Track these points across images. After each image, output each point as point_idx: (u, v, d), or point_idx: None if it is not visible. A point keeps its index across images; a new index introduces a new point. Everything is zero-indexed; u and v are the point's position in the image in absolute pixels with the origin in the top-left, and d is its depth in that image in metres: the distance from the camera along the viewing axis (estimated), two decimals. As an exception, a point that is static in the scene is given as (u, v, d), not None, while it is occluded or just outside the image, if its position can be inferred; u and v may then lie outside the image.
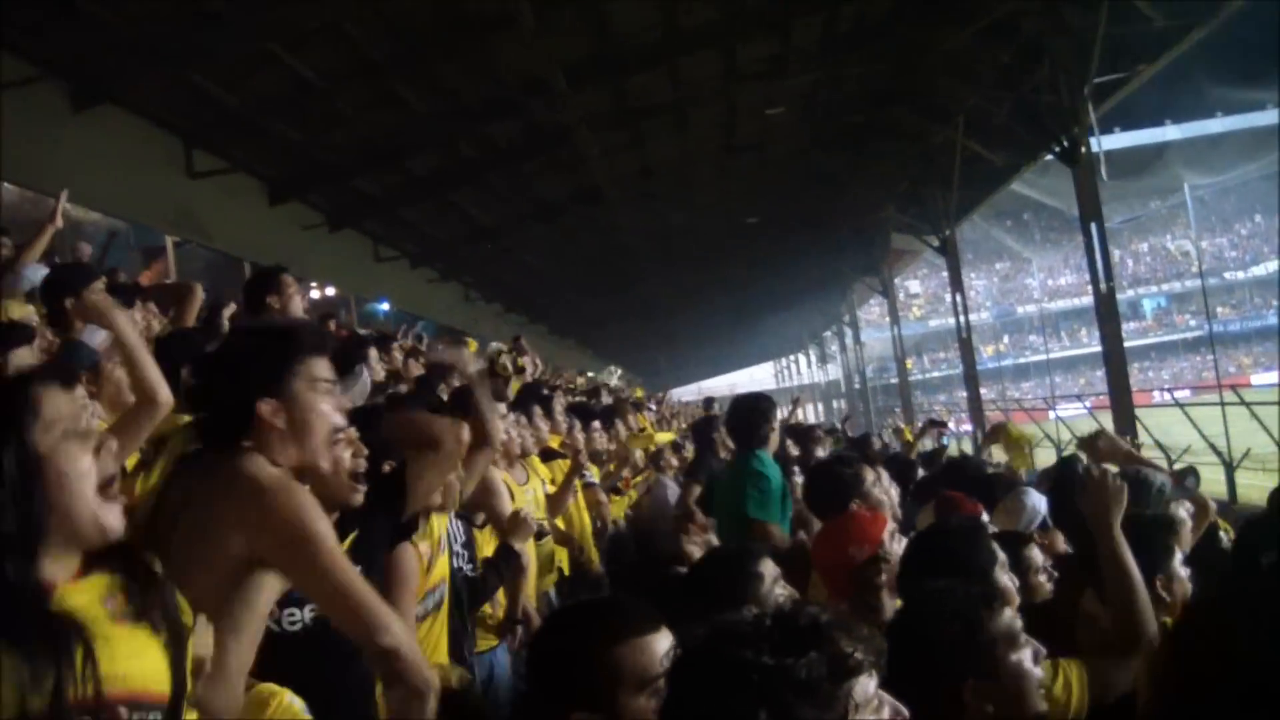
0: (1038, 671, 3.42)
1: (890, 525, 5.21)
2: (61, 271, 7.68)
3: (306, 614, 3.83)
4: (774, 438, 8.45)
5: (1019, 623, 3.53)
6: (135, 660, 2.43)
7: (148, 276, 14.85)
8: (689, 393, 76.45)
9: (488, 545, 6.65)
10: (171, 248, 19.55)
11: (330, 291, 26.57)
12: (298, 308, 7.44)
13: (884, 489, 6.59)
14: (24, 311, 7.03)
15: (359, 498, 3.71)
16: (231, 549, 3.16)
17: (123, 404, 5.80)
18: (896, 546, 5.02)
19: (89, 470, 2.40)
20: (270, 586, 3.18)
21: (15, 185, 15.70)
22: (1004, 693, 3.29)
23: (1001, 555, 4.61)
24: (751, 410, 8.52)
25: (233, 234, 18.54)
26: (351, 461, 3.65)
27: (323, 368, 3.49)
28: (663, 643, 2.88)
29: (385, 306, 29.48)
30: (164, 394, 5.12)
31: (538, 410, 9.32)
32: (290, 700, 3.07)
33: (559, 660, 2.98)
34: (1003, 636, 3.42)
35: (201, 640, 2.71)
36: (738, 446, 8.70)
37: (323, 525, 3.23)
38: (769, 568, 4.69)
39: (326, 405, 3.44)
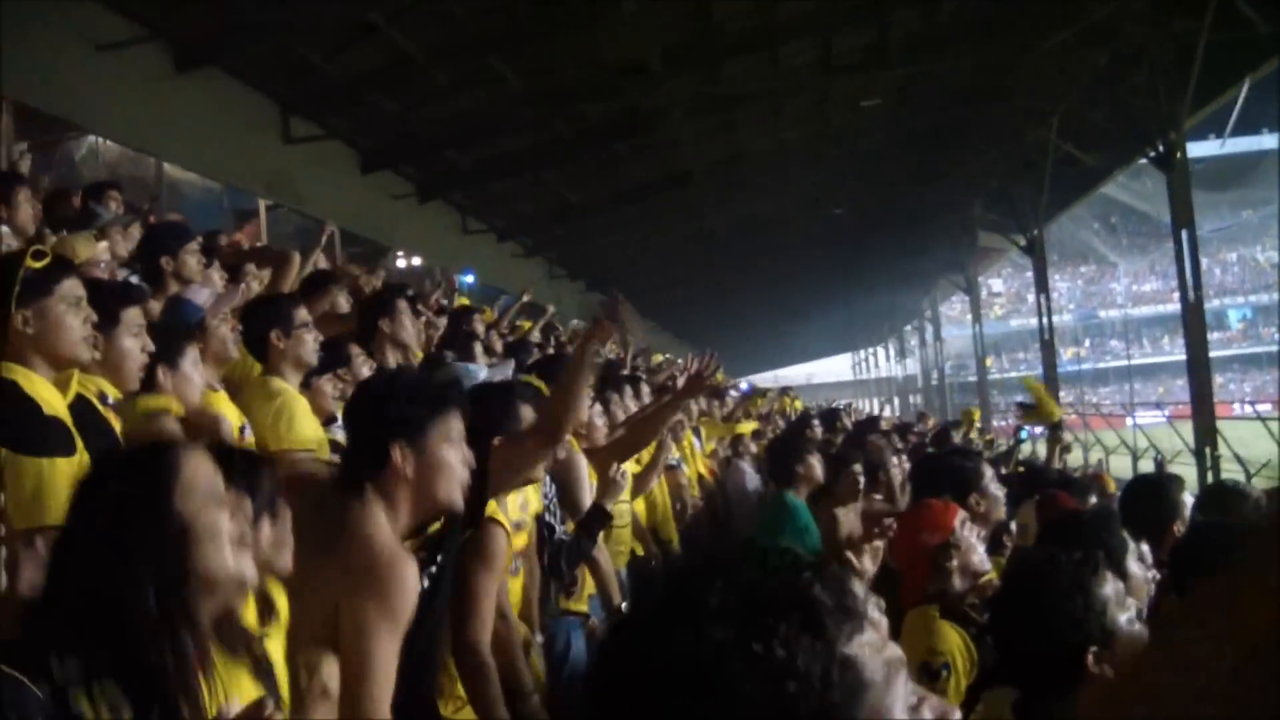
0: (1144, 631, 3.49)
1: (962, 514, 5.28)
2: (159, 230, 7.79)
3: None
4: (810, 474, 8.34)
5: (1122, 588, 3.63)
6: (235, 692, 2.61)
7: (240, 239, 15.04)
8: (765, 379, 76.43)
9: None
10: (264, 211, 19.78)
11: (416, 261, 26.76)
12: (410, 335, 7.54)
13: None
14: (92, 250, 7.05)
15: (460, 500, 3.80)
16: (324, 590, 3.40)
17: (227, 359, 5.94)
18: (967, 533, 5.11)
19: (227, 530, 2.52)
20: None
21: (118, 143, 16.00)
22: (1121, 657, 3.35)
23: (1132, 544, 4.69)
24: (784, 450, 8.62)
25: (325, 200, 18.71)
26: (464, 472, 3.75)
27: (458, 424, 3.63)
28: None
29: (471, 279, 29.65)
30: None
31: (628, 391, 9.41)
32: None
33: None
34: (1112, 600, 3.50)
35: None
36: (775, 482, 8.72)
37: (400, 607, 3.41)
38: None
39: (456, 458, 3.59)
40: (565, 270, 34.06)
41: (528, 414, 5.36)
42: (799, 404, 29.03)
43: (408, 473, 3.55)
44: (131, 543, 2.47)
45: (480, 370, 6.78)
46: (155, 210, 13.24)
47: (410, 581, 3.46)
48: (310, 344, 5.99)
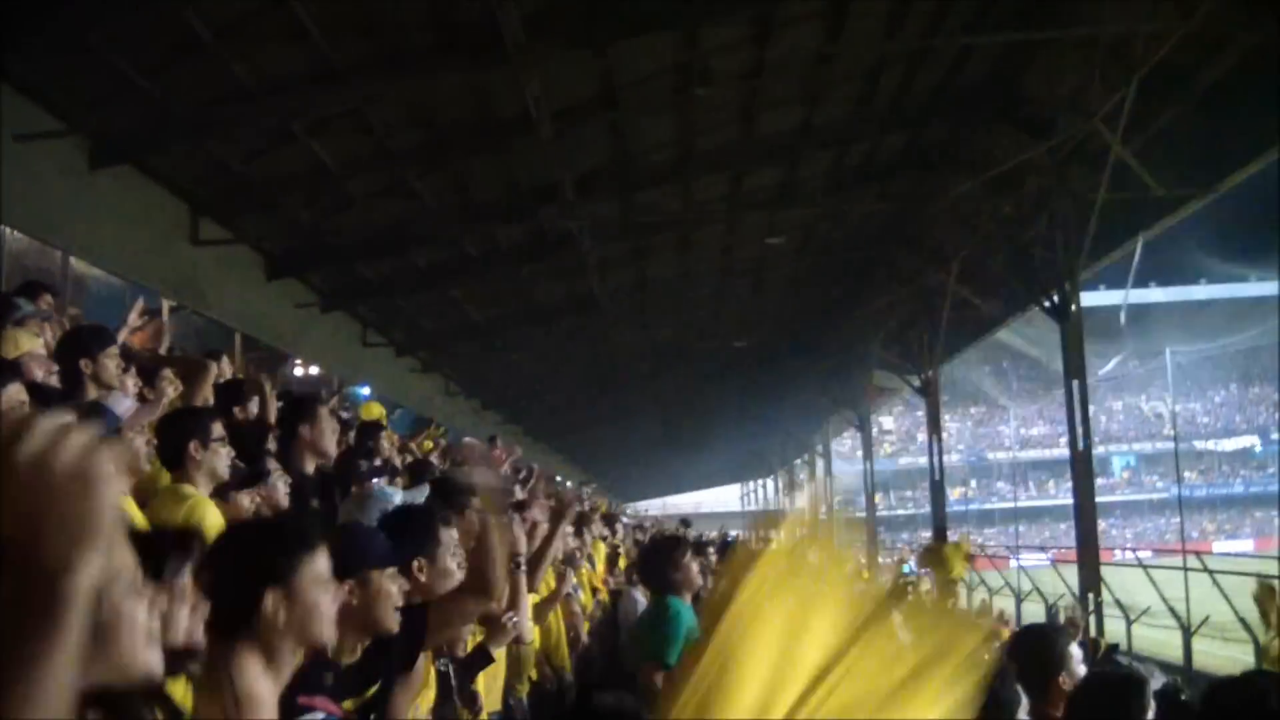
0: None
1: None
2: (80, 332, 7.73)
3: None
4: (688, 577, 8.13)
5: None
6: None
7: (140, 338, 14.88)
8: (655, 506, 76.42)
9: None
10: (167, 311, 19.65)
11: (315, 370, 26.64)
12: (330, 443, 7.54)
13: None
14: (34, 344, 7.05)
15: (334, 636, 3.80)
16: None
17: (138, 472, 5.89)
18: None
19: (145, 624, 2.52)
20: None
21: (26, 235, 15.85)
22: None
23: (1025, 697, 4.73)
24: (657, 557, 8.46)
25: (229, 304, 18.61)
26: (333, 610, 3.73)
27: (325, 561, 3.61)
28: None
29: (367, 391, 29.51)
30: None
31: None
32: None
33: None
34: None
35: None
36: (651, 591, 8.59)
37: None
38: None
39: (326, 598, 3.57)
40: (461, 388, 33.98)
41: (447, 537, 5.38)
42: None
43: (280, 620, 3.51)
44: None
45: (396, 494, 6.76)
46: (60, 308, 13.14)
47: None
48: (225, 458, 5.99)
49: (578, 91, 16.11)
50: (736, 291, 29.43)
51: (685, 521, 29.32)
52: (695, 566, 8.19)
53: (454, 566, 5.31)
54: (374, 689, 4.39)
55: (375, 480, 8.42)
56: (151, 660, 2.59)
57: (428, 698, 5.68)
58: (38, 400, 4.33)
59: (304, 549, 3.58)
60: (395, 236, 20.05)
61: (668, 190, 20.37)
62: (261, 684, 3.44)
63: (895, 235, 26.15)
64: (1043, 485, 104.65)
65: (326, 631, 3.60)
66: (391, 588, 4.35)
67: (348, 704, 4.24)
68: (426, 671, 5.32)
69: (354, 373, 26.70)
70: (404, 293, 23.56)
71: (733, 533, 32.43)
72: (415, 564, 5.00)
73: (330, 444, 7.54)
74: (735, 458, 75.36)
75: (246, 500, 6.39)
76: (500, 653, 7.13)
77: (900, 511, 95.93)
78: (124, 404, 6.04)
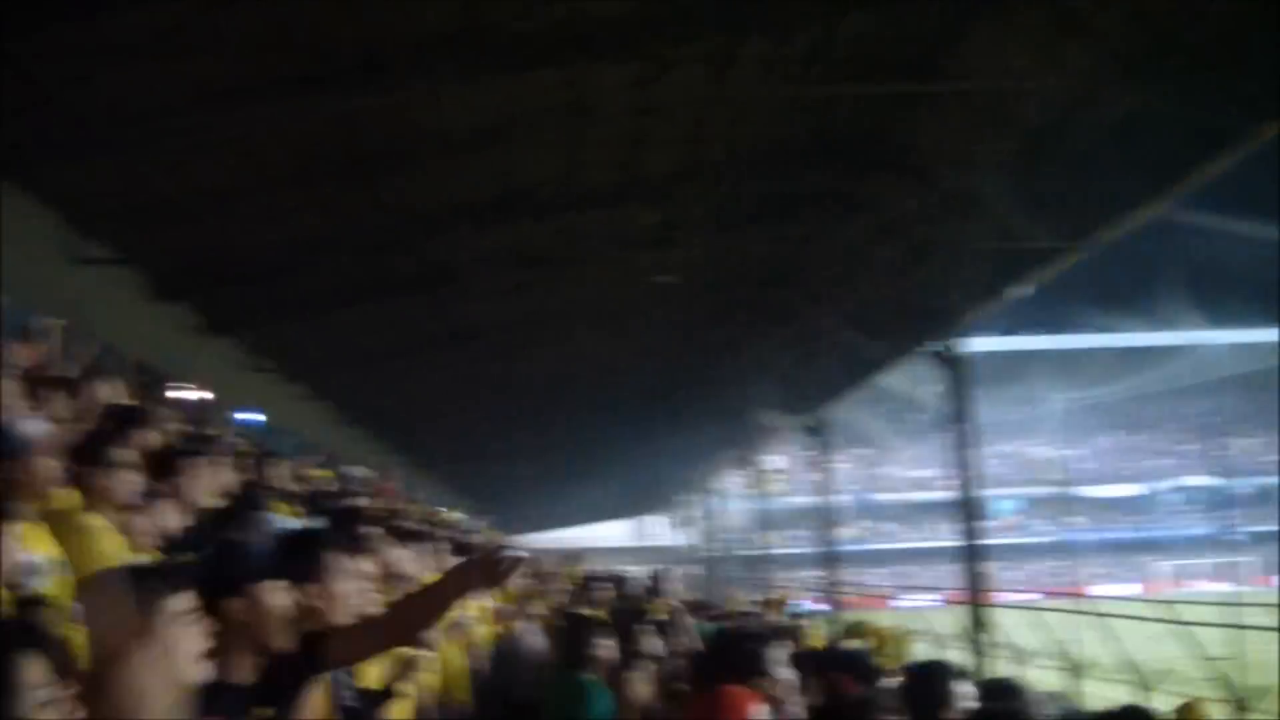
0: None
1: (759, 707, 5.41)
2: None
3: None
4: (606, 655, 8.14)
5: None
6: None
7: (30, 355, 14.72)
8: (547, 539, 76.15)
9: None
10: (60, 331, 19.42)
11: (208, 395, 26.40)
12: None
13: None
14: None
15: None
16: None
17: (43, 498, 5.88)
18: None
19: None
20: None
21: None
22: None
23: None
24: (575, 633, 8.38)
25: (114, 326, 18.47)
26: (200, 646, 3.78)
27: (184, 602, 3.66)
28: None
29: (262, 418, 29.31)
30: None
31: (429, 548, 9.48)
32: None
33: None
34: None
35: None
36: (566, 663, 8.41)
37: None
38: None
39: (190, 636, 3.63)
40: (350, 416, 33.83)
41: (338, 564, 5.41)
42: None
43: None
44: None
45: (290, 522, 6.80)
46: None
47: None
48: (129, 483, 6.00)
49: (462, 122, 16.18)
50: (624, 327, 29.54)
51: (573, 555, 29.38)
52: (612, 644, 8.16)
53: (347, 591, 5.34)
54: (271, 712, 4.38)
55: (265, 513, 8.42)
56: None
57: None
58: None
59: (157, 595, 3.57)
60: (280, 262, 20.02)
61: (552, 224, 20.48)
62: None
63: (780, 276, 26.39)
64: (934, 526, 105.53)
65: (192, 672, 3.62)
66: (279, 601, 4.39)
67: None
68: (325, 704, 5.35)
69: (245, 399, 26.53)
70: (292, 319, 23.45)
71: (630, 569, 32.52)
72: (310, 589, 4.92)
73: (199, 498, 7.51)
74: (628, 493, 75.35)
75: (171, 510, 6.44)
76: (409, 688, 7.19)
77: (793, 549, 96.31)
78: (35, 426, 6.05)
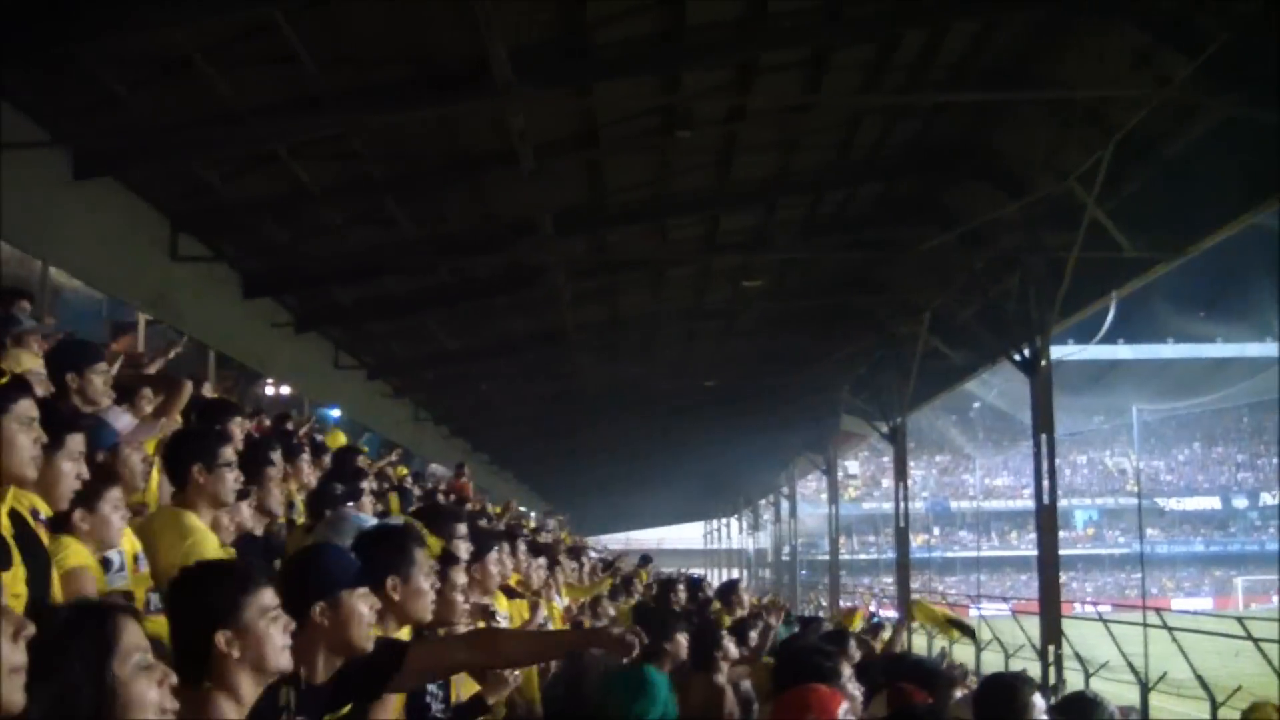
0: None
1: (846, 705, 5.44)
2: (68, 346, 7.80)
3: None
4: (675, 651, 8.11)
5: None
6: None
7: (117, 348, 14.93)
8: (616, 541, 76.23)
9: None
10: (143, 325, 19.67)
11: (285, 390, 26.65)
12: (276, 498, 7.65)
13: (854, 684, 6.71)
14: (35, 362, 7.24)
15: (290, 661, 3.93)
16: None
17: (135, 489, 5.99)
18: None
19: (156, 701, 2.66)
20: None
21: (7, 244, 15.90)
22: None
23: None
24: (651, 625, 7.97)
25: (204, 321, 18.67)
26: (285, 638, 3.87)
27: (270, 595, 3.79)
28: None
29: (336, 413, 29.53)
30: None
31: (506, 548, 9.48)
32: None
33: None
34: None
35: None
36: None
37: None
38: None
39: (276, 629, 3.75)
40: (430, 414, 34.03)
41: (421, 557, 5.49)
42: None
43: (235, 655, 3.67)
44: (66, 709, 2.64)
45: (368, 520, 6.85)
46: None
47: None
48: (230, 482, 6.08)
49: (559, 128, 16.27)
50: (707, 331, 29.60)
51: (646, 558, 29.32)
52: (684, 641, 8.15)
53: (428, 587, 5.40)
54: (347, 709, 4.50)
55: (350, 504, 8.49)
56: None
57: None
58: (46, 416, 4.41)
59: (249, 587, 3.76)
60: (371, 262, 20.17)
61: (642, 229, 20.54)
62: (230, 716, 3.63)
63: (868, 284, 26.33)
64: (1005, 535, 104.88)
65: (281, 660, 3.78)
66: (362, 608, 4.45)
67: None
68: (401, 709, 5.41)
69: (325, 395, 26.76)
70: (377, 318, 23.66)
71: (697, 572, 32.55)
72: (389, 582, 5.05)
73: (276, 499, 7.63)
74: (700, 496, 75.32)
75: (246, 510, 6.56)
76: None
77: (861, 556, 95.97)
78: (122, 420, 6.17)
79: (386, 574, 5.04)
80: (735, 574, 75.31)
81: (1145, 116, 16.43)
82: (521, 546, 10.54)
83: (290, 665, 3.85)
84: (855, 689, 6.61)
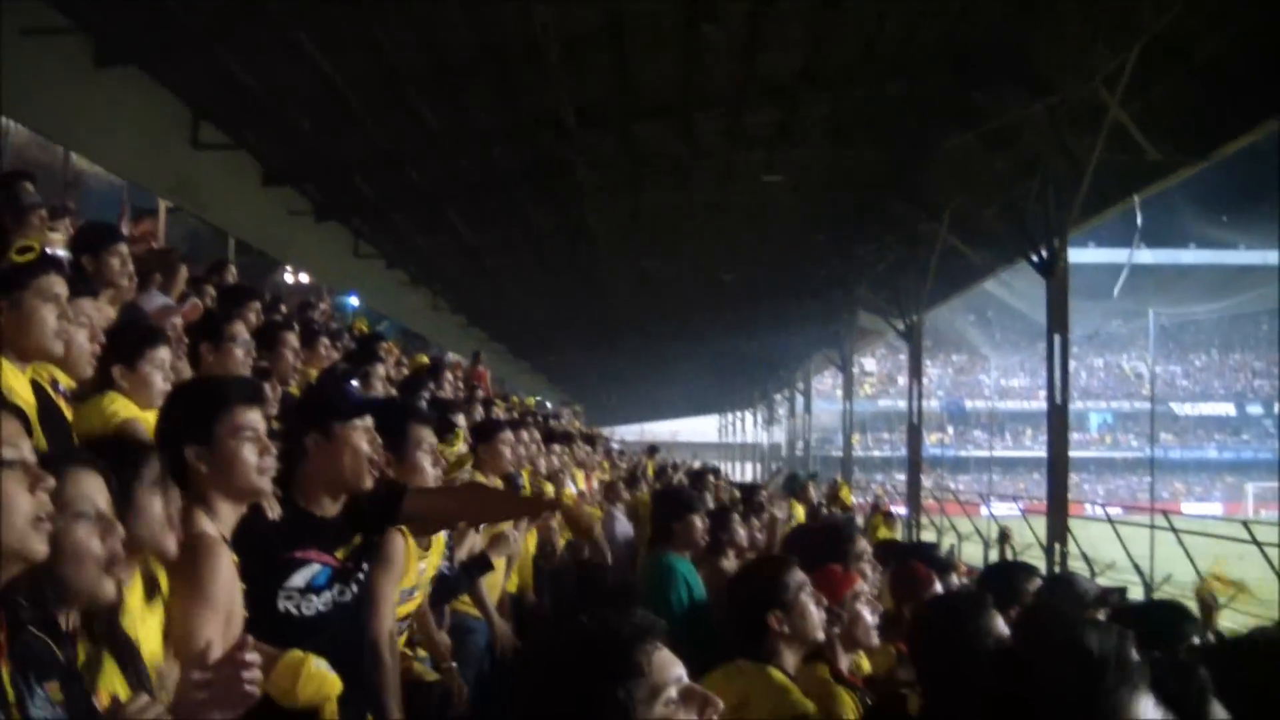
0: None
1: (858, 585, 5.56)
2: (91, 229, 7.86)
3: (321, 602, 4.31)
4: (687, 533, 8.02)
5: None
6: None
7: (138, 232, 15.05)
8: (631, 432, 76.67)
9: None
10: (164, 212, 19.74)
11: (304, 278, 26.78)
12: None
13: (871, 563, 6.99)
14: (46, 238, 7.31)
15: (267, 485, 4.06)
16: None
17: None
18: (859, 607, 5.38)
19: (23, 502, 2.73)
20: None
21: (30, 129, 15.96)
22: None
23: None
24: (665, 507, 8.32)
25: (224, 209, 18.79)
26: (260, 461, 3.98)
27: (250, 414, 3.95)
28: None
29: (355, 301, 29.65)
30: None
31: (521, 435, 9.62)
32: (317, 664, 3.38)
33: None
34: None
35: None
36: (653, 541, 8.40)
37: (215, 594, 3.68)
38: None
39: (249, 449, 3.86)
40: (448, 303, 34.13)
41: (420, 436, 5.60)
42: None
43: (203, 470, 3.81)
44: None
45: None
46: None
47: (224, 571, 3.73)
48: (239, 358, 6.22)
49: (585, 22, 16.18)
50: (729, 227, 29.49)
51: (653, 448, 29.63)
52: (699, 522, 8.09)
53: (427, 465, 5.55)
54: (358, 539, 4.64)
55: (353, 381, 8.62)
56: (106, 588, 2.90)
57: (433, 562, 6.01)
58: (73, 289, 4.54)
59: (221, 406, 3.91)
60: (394, 154, 20.18)
61: (667, 124, 20.46)
62: (206, 528, 3.78)
63: (889, 182, 26.21)
64: (1019, 436, 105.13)
65: (253, 481, 3.94)
66: (359, 442, 4.55)
67: (339, 553, 4.51)
68: (408, 560, 5.57)
69: (344, 282, 26.88)
70: (399, 209, 23.67)
71: (712, 463, 32.76)
72: (389, 457, 5.20)
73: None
74: (716, 389, 75.52)
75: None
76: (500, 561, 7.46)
77: (875, 453, 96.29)
78: (156, 301, 6.29)
79: (387, 450, 5.15)
80: (749, 468, 75.89)
81: (1174, 19, 16.29)
82: (533, 434, 10.68)
83: (266, 488, 4.08)
84: (869, 566, 6.80)
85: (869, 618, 5.50)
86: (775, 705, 4.66)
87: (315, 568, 4.35)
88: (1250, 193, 74.49)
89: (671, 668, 2.36)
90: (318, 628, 4.25)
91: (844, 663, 5.36)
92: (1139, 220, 22.98)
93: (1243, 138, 18.87)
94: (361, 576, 4.62)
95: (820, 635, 4.98)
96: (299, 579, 4.30)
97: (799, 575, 5.00)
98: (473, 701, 6.81)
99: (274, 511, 4.28)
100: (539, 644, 2.58)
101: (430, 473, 5.59)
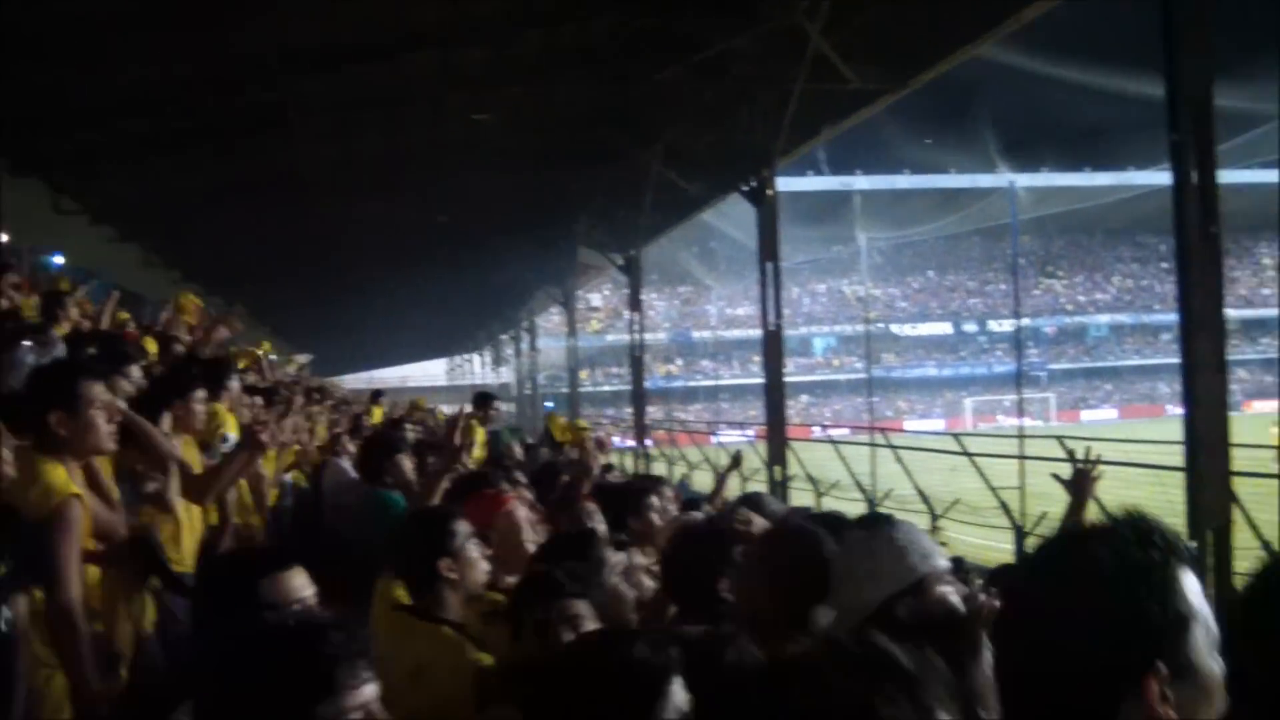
0: None
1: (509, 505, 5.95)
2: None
3: None
4: (397, 471, 8.80)
5: None
6: None
7: None
8: (360, 380, 76.07)
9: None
10: None
11: (3, 238, 25.78)
12: None
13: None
14: None
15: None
16: None
17: None
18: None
19: None
20: None
21: None
22: None
23: None
24: (375, 450, 9.12)
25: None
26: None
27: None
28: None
29: (60, 260, 28.74)
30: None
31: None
32: None
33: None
34: None
35: None
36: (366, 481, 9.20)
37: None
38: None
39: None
40: (161, 258, 33.28)
41: (89, 392, 5.50)
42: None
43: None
44: None
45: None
46: None
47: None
48: None
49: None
50: (444, 168, 29.31)
51: (377, 394, 29.52)
52: (407, 461, 8.89)
53: (101, 422, 5.45)
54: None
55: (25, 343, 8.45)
56: None
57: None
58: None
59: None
60: (97, 105, 19.52)
61: (376, 66, 20.23)
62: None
63: (602, 116, 26.38)
64: (746, 363, 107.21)
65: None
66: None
67: None
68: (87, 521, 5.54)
69: (45, 241, 26.02)
70: (105, 161, 22.92)
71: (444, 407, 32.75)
72: (53, 416, 5.13)
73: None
74: (443, 333, 75.36)
75: None
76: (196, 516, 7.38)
77: (606, 387, 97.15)
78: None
79: (49, 409, 5.14)
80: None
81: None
82: (234, 385, 10.53)
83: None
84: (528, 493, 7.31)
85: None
86: (453, 665, 4.83)
87: None
88: (955, 119, 77.18)
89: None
90: None
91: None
92: (833, 143, 23.68)
93: (941, 64, 19.55)
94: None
95: (482, 582, 5.27)
96: None
97: (466, 524, 5.25)
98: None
99: None
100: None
101: (105, 429, 5.44)
